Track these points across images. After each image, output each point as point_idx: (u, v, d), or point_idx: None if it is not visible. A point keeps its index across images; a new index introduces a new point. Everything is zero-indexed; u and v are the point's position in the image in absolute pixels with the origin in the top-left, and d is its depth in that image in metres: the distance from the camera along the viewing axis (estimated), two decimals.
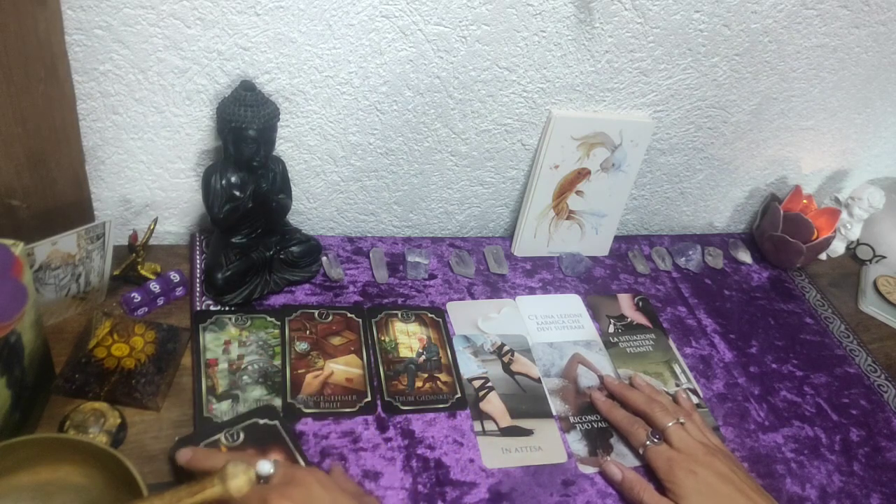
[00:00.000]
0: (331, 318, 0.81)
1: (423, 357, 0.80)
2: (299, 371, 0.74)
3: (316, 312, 0.81)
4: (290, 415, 0.70)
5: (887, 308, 1.07)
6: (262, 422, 0.68)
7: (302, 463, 0.65)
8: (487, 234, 1.04)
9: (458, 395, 0.77)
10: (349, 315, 0.82)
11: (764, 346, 0.95)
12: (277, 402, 0.71)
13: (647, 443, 0.74)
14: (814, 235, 1.06)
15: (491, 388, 0.79)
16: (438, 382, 0.78)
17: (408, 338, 0.82)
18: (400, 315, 0.84)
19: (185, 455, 0.61)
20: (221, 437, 0.65)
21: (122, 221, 0.85)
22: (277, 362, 0.75)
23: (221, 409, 0.69)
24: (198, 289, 0.80)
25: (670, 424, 0.74)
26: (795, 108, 1.04)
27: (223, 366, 0.73)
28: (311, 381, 0.74)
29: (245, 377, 0.72)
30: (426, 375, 0.78)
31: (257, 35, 0.74)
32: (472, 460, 0.71)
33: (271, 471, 0.56)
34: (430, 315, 0.86)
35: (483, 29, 0.81)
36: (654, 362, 0.88)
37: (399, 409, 0.74)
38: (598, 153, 0.94)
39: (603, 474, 0.73)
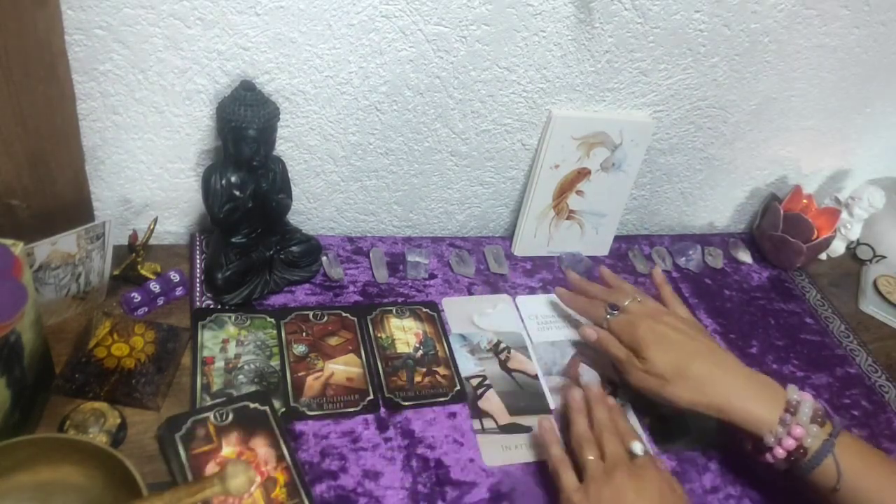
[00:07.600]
0: (326, 318, 0.81)
1: (421, 352, 0.80)
2: (300, 374, 0.74)
3: (311, 314, 0.81)
4: (293, 418, 0.70)
5: (887, 308, 1.07)
6: (252, 406, 0.68)
7: (285, 451, 0.65)
8: (487, 234, 1.04)
9: (458, 387, 0.77)
10: (344, 314, 0.82)
11: (764, 346, 0.95)
12: (273, 403, 0.71)
13: (607, 316, 0.79)
14: (814, 235, 1.06)
15: (489, 386, 0.79)
16: (437, 376, 0.78)
17: (404, 333, 0.82)
18: (394, 311, 0.84)
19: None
20: (211, 415, 0.66)
21: (122, 221, 0.85)
22: (274, 363, 0.75)
23: None
24: (198, 289, 0.80)
25: (627, 303, 0.79)
26: (795, 108, 1.04)
27: (220, 364, 0.73)
28: (313, 383, 0.74)
29: (241, 376, 0.72)
30: (424, 370, 0.78)
31: (257, 35, 0.74)
32: (472, 460, 0.71)
33: (640, 453, 0.65)
34: (424, 310, 0.86)
35: (483, 29, 0.81)
36: None
37: (400, 406, 0.74)
38: (598, 153, 0.94)
39: (582, 337, 0.80)
